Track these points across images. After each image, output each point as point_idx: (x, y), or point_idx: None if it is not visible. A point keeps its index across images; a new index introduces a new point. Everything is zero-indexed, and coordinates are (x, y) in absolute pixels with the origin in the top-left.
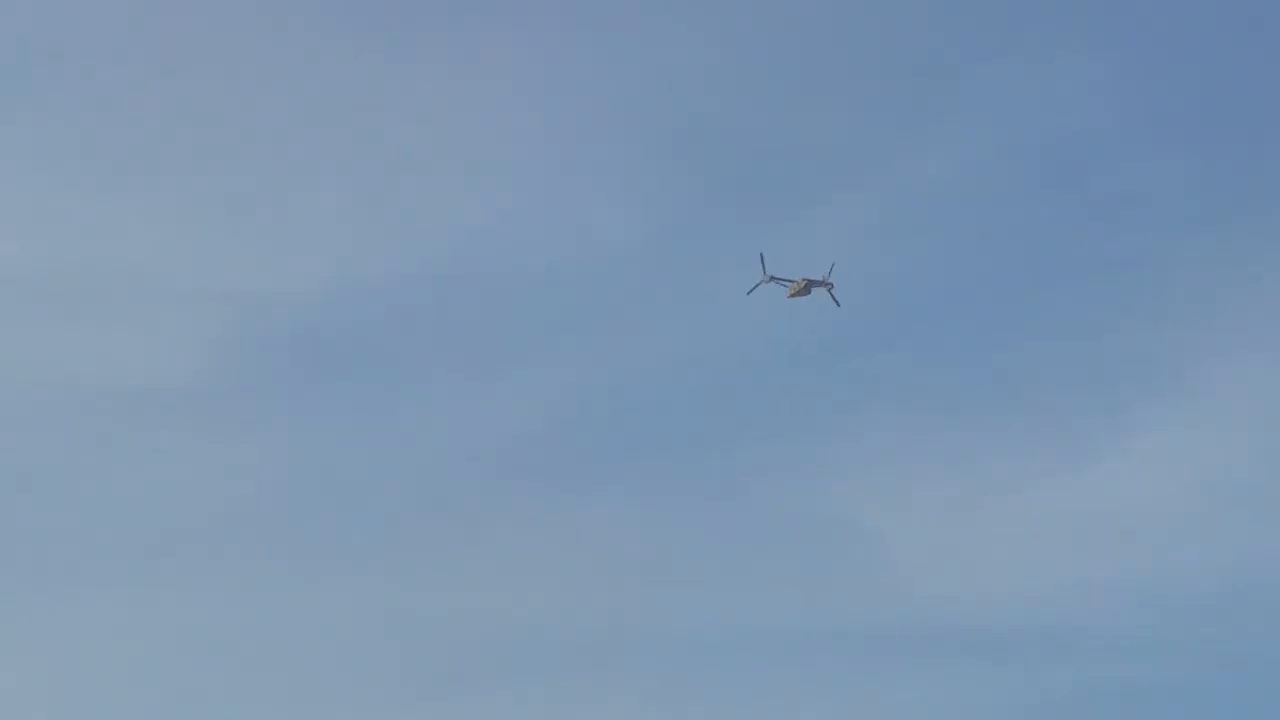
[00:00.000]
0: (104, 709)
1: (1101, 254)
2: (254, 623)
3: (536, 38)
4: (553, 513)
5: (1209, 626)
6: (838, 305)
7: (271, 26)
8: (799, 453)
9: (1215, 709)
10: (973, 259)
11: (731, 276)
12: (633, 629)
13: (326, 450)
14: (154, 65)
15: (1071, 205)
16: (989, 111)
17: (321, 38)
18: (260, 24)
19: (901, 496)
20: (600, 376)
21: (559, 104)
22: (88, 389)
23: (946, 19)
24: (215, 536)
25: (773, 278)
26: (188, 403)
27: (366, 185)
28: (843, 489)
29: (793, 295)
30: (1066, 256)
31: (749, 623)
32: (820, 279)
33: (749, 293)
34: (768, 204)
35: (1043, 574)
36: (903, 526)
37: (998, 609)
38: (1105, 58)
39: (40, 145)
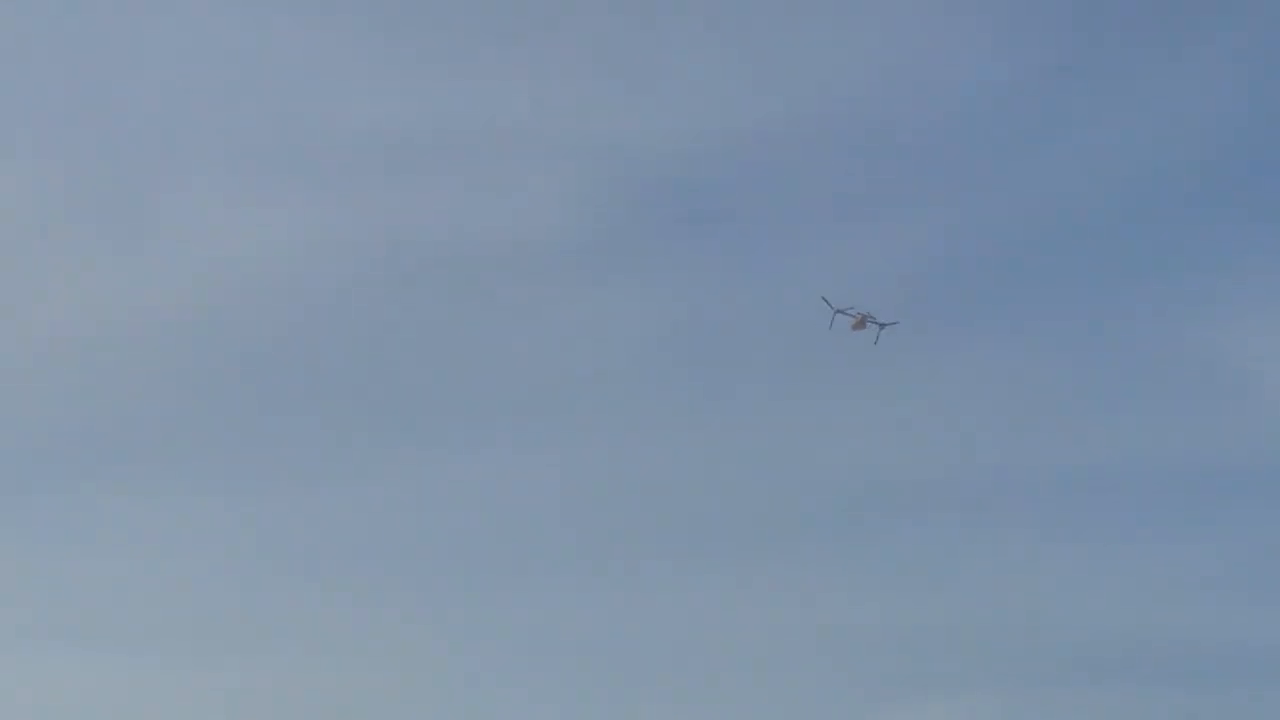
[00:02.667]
0: (475, 557)
1: None
2: (631, 469)
3: None
4: (924, 356)
5: None
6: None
7: None
8: (1172, 290)
9: None
10: None
11: (1106, 120)
12: (1012, 467)
13: (697, 298)
14: None
15: None
16: None
17: None
18: None
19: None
20: (969, 222)
21: None
22: (463, 245)
23: None
24: (589, 387)
25: (839, 311)
26: (561, 255)
27: (737, 34)
28: (1215, 327)
29: (854, 328)
30: None
31: (1120, 460)
32: (873, 316)
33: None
34: (1147, 41)
35: None
36: (1274, 364)
37: None
38: None
39: (417, 13)
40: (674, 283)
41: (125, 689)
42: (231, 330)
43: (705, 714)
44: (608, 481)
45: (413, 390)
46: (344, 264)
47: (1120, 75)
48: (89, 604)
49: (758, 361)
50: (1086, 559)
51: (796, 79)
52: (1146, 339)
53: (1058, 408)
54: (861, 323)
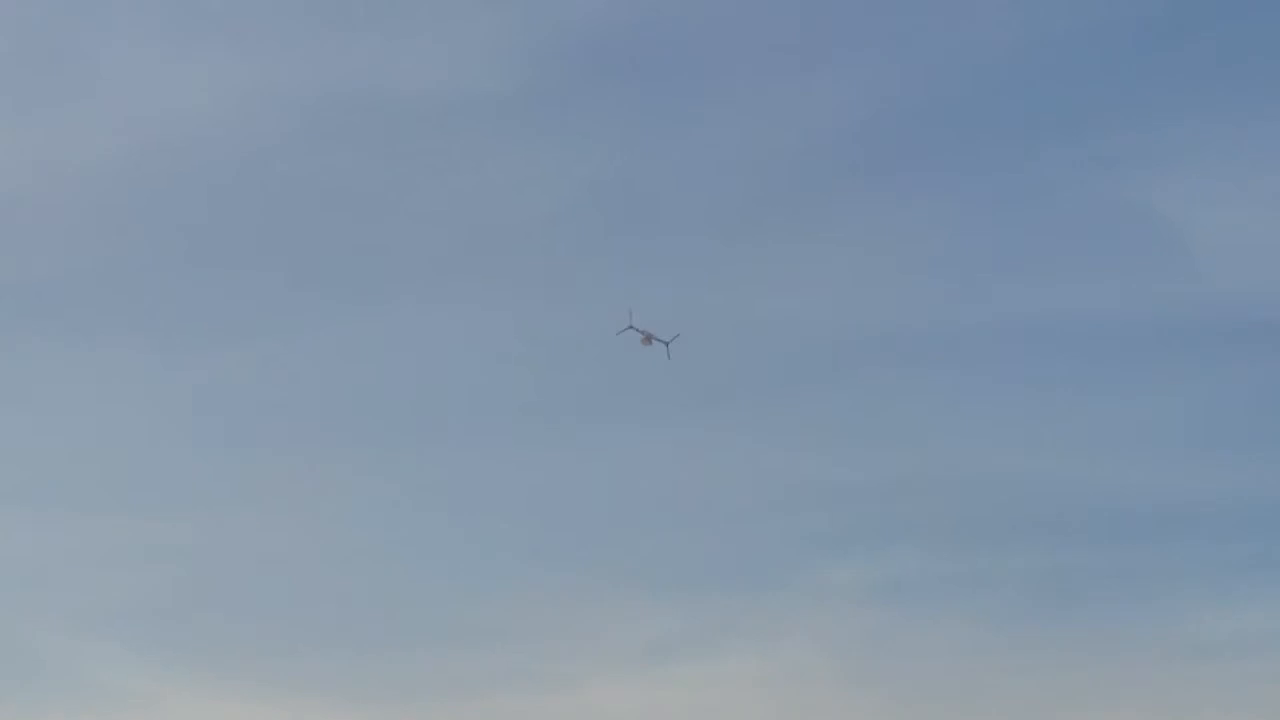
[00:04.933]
0: (410, 412)
1: None
2: (563, 326)
3: None
4: (863, 211)
5: None
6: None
7: None
8: (1107, 142)
9: None
10: None
11: None
12: (950, 321)
13: (626, 151)
14: None
15: None
16: None
17: None
18: None
19: (1213, 187)
20: (903, 75)
21: None
22: (389, 98)
23: None
24: (517, 242)
25: (630, 327)
26: (487, 108)
27: None
28: (1150, 178)
29: (644, 344)
30: None
31: (1060, 313)
32: (655, 335)
33: (619, 333)
34: None
35: None
36: (1211, 218)
37: None
38: None
39: None
40: (602, 136)
41: (56, 546)
42: (159, 184)
43: (647, 565)
44: (540, 337)
45: (340, 244)
46: (270, 117)
47: None
48: (18, 461)
49: (688, 217)
50: (1026, 413)
51: None
52: (1084, 192)
53: (995, 261)
54: (648, 340)
